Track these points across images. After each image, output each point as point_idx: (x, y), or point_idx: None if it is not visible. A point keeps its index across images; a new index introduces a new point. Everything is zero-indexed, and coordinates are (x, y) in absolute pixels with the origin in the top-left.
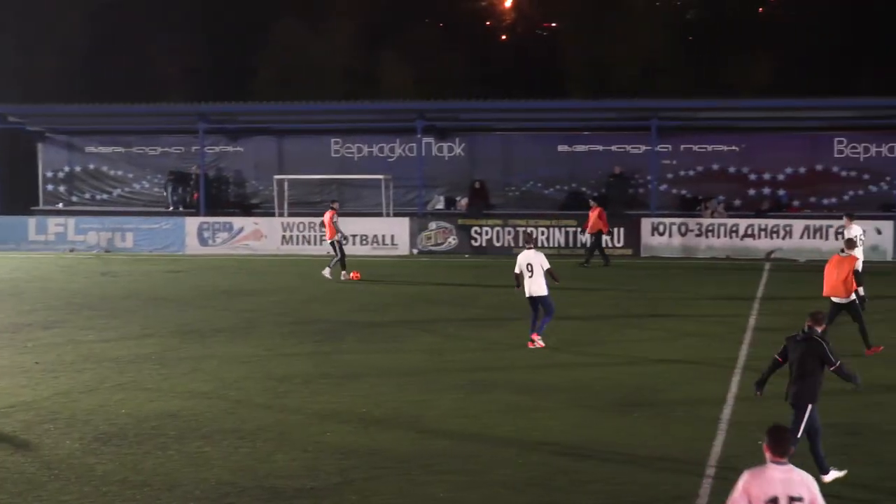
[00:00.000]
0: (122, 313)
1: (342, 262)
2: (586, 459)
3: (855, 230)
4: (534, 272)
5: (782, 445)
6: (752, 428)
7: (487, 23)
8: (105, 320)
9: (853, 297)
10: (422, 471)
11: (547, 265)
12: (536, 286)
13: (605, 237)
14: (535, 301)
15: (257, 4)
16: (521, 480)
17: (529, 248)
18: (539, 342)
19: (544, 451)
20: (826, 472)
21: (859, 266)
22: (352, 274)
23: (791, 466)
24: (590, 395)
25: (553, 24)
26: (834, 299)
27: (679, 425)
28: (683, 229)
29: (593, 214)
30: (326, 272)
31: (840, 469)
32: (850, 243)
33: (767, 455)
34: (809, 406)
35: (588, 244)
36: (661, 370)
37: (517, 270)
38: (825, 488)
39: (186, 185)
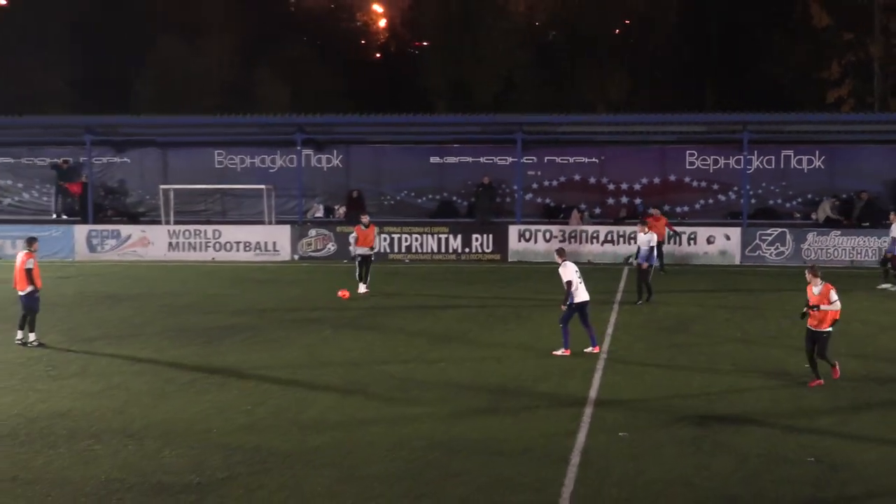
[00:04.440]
0: (11, 318)
1: (359, 275)
2: (455, 453)
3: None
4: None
5: None
6: (613, 423)
7: (362, 41)
8: None
9: None
10: (303, 466)
11: None
12: (586, 292)
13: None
14: (585, 305)
15: (136, 20)
16: (394, 474)
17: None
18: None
19: (415, 446)
20: None
21: None
22: (340, 292)
23: None
24: (459, 391)
25: (424, 43)
26: None
27: (542, 419)
28: (548, 235)
29: (658, 223)
30: (361, 287)
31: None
32: None
33: None
34: None
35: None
36: (526, 367)
37: (571, 279)
38: (675, 473)
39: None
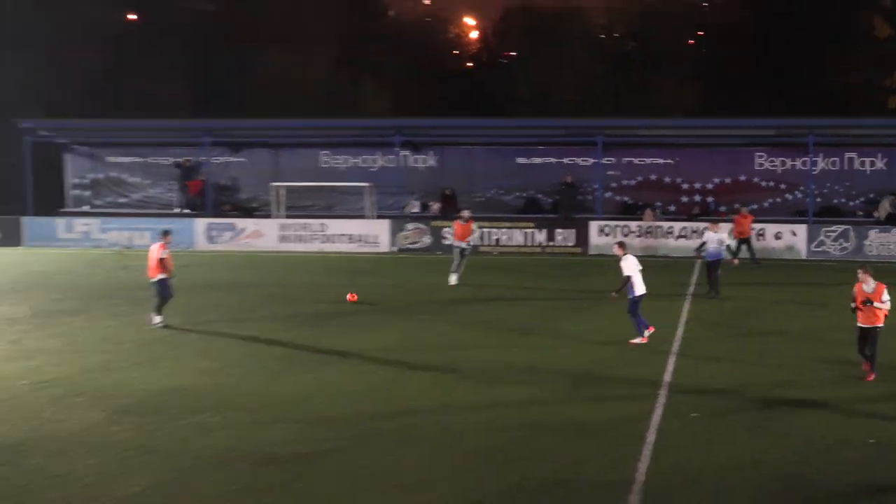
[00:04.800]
0: (138, 302)
1: (455, 266)
2: (540, 431)
3: None
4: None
5: None
6: (685, 405)
7: (455, 51)
8: (124, 307)
9: None
10: (399, 440)
11: None
12: (643, 286)
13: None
14: (642, 298)
15: (249, 33)
16: (484, 450)
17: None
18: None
19: (503, 425)
20: None
21: None
22: (349, 296)
23: None
24: (543, 375)
25: (512, 53)
26: None
27: (620, 402)
28: (625, 231)
29: (746, 221)
30: (451, 278)
31: None
32: None
33: None
34: None
35: (735, 247)
36: (604, 353)
37: (632, 273)
38: (743, 453)
39: (188, 177)
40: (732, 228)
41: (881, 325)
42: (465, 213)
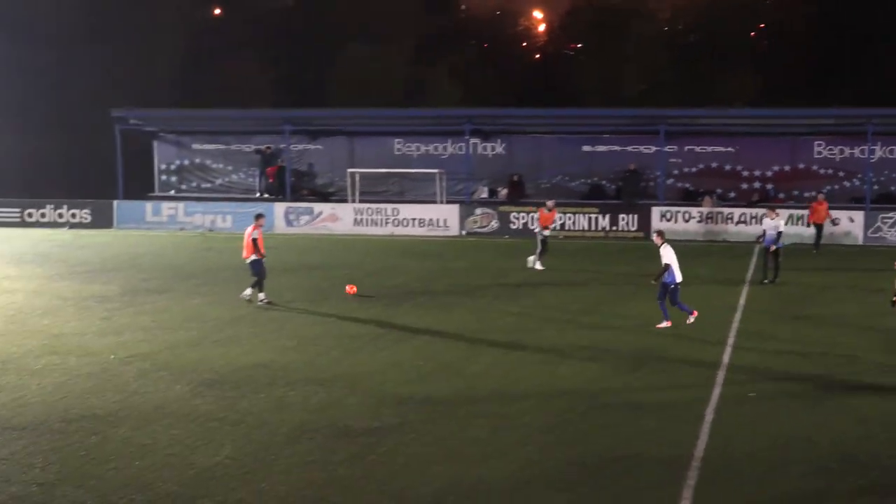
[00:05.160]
0: (220, 282)
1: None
2: (602, 408)
3: None
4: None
5: None
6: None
7: (523, 43)
8: (207, 287)
9: None
10: (466, 414)
11: None
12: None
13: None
14: (679, 285)
15: (328, 27)
16: (546, 424)
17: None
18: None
19: (566, 400)
20: None
21: None
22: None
23: None
24: (605, 354)
25: (578, 45)
26: None
27: (679, 380)
28: (687, 216)
29: (822, 207)
30: (537, 265)
31: None
32: None
33: None
34: None
35: (816, 233)
36: (664, 333)
37: (671, 261)
38: (798, 430)
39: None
40: (808, 215)
41: None
42: (550, 203)
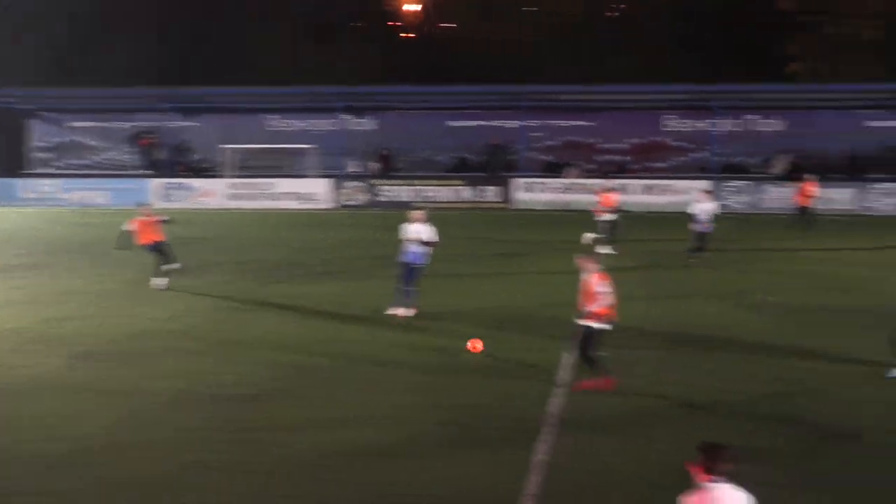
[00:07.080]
0: (96, 256)
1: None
2: (461, 371)
3: None
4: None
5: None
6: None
7: (398, 23)
8: (81, 262)
9: None
10: (339, 381)
11: None
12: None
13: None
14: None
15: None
16: (415, 385)
17: None
18: None
19: (432, 364)
20: None
21: None
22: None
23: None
24: (465, 318)
25: (452, 25)
26: None
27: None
28: (545, 187)
29: (810, 187)
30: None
31: None
32: None
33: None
34: None
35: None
36: (533, 294)
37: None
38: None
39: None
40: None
41: None
42: (608, 184)
